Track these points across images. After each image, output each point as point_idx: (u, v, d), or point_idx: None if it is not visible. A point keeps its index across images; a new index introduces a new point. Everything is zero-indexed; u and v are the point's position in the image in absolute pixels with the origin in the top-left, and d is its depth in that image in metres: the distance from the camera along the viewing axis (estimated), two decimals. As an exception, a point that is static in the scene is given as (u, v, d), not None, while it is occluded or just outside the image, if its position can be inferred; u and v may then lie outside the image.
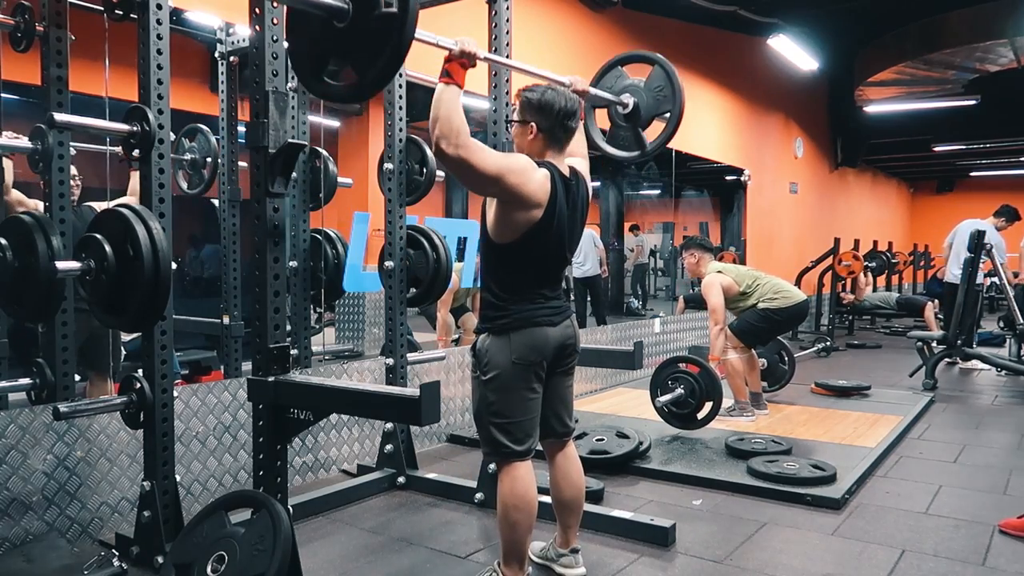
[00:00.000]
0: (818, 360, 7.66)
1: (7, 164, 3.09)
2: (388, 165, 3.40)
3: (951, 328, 6.08)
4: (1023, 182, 15.86)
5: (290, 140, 2.10)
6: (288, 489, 2.21)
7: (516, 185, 2.09)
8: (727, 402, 4.50)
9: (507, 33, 3.06)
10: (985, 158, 15.18)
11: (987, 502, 3.21)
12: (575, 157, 2.43)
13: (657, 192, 10.76)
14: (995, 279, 8.96)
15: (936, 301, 9.00)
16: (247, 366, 3.28)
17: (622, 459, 3.60)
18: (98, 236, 2.25)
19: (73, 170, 3.29)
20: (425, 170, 3.61)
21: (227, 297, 4.05)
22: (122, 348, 3.68)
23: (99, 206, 3.35)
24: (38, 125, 2.87)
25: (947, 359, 6.43)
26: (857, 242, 10.37)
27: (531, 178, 2.13)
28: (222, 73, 4.01)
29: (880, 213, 15.96)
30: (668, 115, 2.79)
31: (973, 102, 10.70)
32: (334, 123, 5.84)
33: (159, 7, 2.42)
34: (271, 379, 2.11)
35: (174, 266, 2.33)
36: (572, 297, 7.85)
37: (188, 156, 3.94)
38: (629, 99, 2.85)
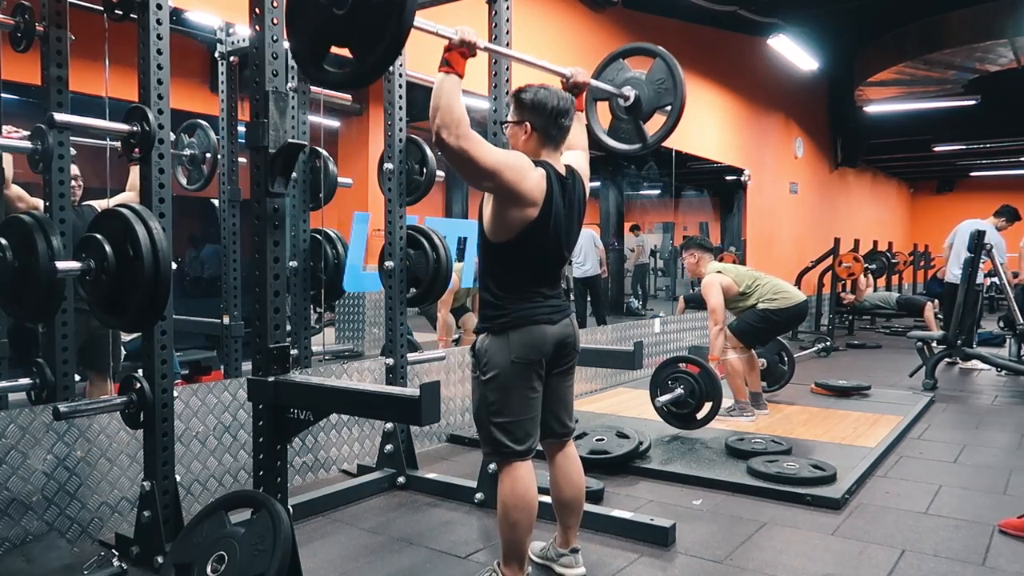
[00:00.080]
0: (818, 360, 7.66)
1: (7, 159, 3.09)
2: (388, 165, 3.40)
3: (951, 328, 6.08)
4: (1023, 182, 15.87)
5: (290, 140, 2.10)
6: (288, 489, 2.21)
7: (513, 182, 2.10)
8: (727, 402, 4.50)
9: (507, 33, 3.06)
10: (985, 158, 15.18)
11: (987, 502, 3.21)
12: (575, 150, 2.44)
13: (657, 192, 10.77)
14: (995, 279, 8.96)
15: (936, 301, 9.00)
16: (247, 366, 3.28)
17: (622, 459, 3.61)
18: (98, 236, 2.25)
19: (76, 170, 3.30)
20: (425, 170, 3.61)
21: (227, 297, 4.05)
22: (122, 348, 3.68)
23: (100, 204, 3.36)
24: (38, 125, 2.86)
25: (947, 359, 6.43)
26: (857, 242, 10.38)
27: (528, 176, 2.13)
28: (222, 73, 4.01)
29: (880, 213, 15.97)
30: (669, 108, 2.79)
31: (973, 102, 10.71)
32: (334, 123, 5.83)
33: (159, 7, 2.43)
34: (271, 379, 2.11)
35: (174, 266, 2.33)
36: (572, 297, 7.87)
37: (187, 152, 3.94)
38: (630, 92, 2.85)
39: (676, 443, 4.05)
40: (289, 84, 3.63)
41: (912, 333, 6.96)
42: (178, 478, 2.55)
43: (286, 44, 2.10)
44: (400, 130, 3.40)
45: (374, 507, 3.16)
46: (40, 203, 3.02)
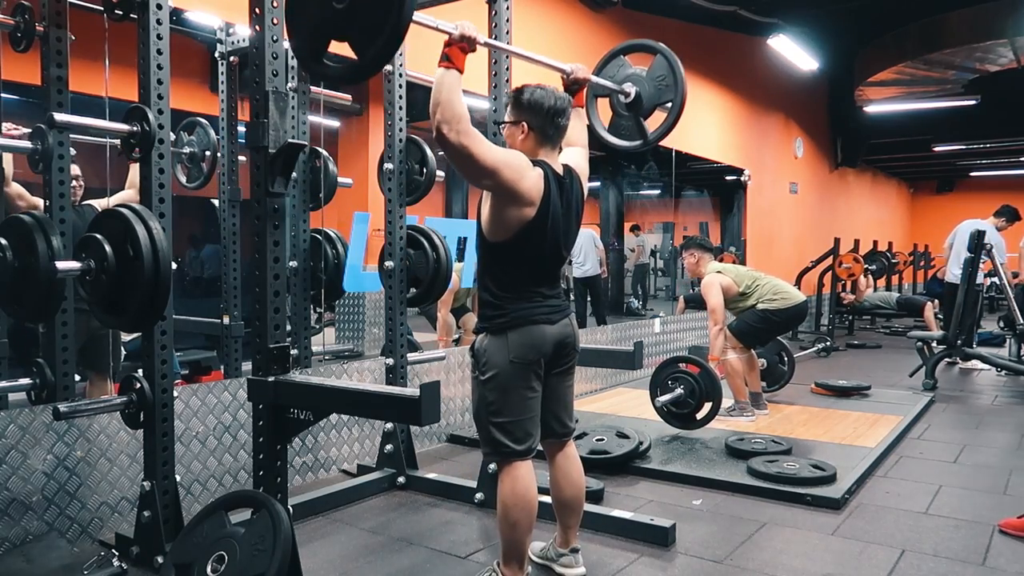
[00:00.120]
0: (818, 360, 7.66)
1: (7, 157, 3.09)
2: (388, 165, 3.40)
3: (951, 328, 6.08)
4: (1023, 182, 15.87)
5: (290, 140, 2.10)
6: (288, 489, 2.21)
7: (511, 180, 2.10)
8: (727, 402, 4.50)
9: (507, 33, 3.07)
10: (985, 158, 15.18)
11: (987, 502, 3.21)
12: (575, 147, 2.45)
13: (657, 192, 10.76)
14: (995, 279, 8.96)
15: (936, 301, 9.00)
16: (247, 366, 3.28)
17: (622, 459, 3.61)
18: (98, 236, 2.26)
19: (77, 170, 3.30)
20: (425, 170, 3.61)
21: (227, 297, 4.05)
22: (122, 348, 3.68)
23: (100, 204, 3.36)
24: (38, 125, 2.87)
25: (947, 359, 6.43)
26: (857, 242, 10.38)
27: (526, 175, 2.14)
28: (222, 73, 4.01)
29: (880, 213, 15.97)
30: (670, 105, 2.79)
31: (973, 102, 10.70)
32: (334, 123, 5.83)
33: (159, 7, 2.43)
34: (271, 379, 2.11)
35: (174, 266, 2.33)
36: (572, 297, 7.87)
37: (187, 150, 3.94)
38: (631, 88, 2.84)
39: (676, 443, 4.05)
40: (289, 84, 3.63)
41: (912, 333, 6.96)
42: (178, 478, 2.55)
43: (286, 44, 2.10)
44: (400, 130, 3.40)
45: (374, 507, 3.16)
46: (40, 202, 3.03)
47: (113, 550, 2.53)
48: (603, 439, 3.73)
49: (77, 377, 3.05)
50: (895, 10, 8.55)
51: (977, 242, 5.94)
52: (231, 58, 3.99)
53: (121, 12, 2.47)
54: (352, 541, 2.79)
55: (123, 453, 2.82)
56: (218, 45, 3.99)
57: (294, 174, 3.69)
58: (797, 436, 4.18)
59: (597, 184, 10.04)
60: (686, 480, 3.47)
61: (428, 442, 4.13)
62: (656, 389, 4.22)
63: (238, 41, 3.95)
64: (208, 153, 3.91)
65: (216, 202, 4.24)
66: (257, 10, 2.11)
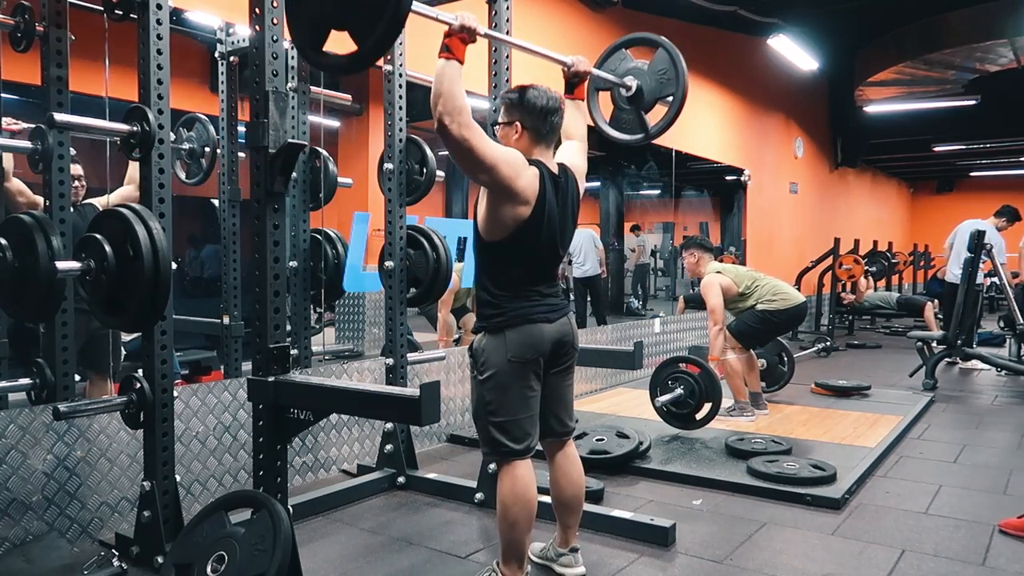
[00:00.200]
0: (818, 360, 7.66)
1: (7, 154, 3.09)
2: (388, 165, 3.40)
3: (951, 328, 6.08)
4: (1023, 182, 15.86)
5: (290, 140, 2.10)
6: (288, 489, 2.21)
7: (508, 177, 2.10)
8: (727, 402, 4.50)
9: (507, 33, 3.07)
10: (985, 158, 15.17)
11: (987, 502, 3.21)
12: (572, 140, 2.46)
13: (657, 192, 10.75)
14: (995, 279, 8.96)
15: (936, 301, 9.00)
16: (247, 366, 3.28)
17: (622, 459, 3.61)
18: (98, 236, 2.26)
19: (79, 170, 3.29)
20: (425, 170, 3.61)
21: (227, 297, 4.05)
22: (122, 348, 3.68)
23: (100, 201, 3.36)
24: (38, 125, 2.87)
25: (947, 359, 6.43)
26: (857, 242, 10.37)
27: (522, 174, 2.14)
28: (222, 73, 4.00)
29: (880, 213, 15.96)
30: (671, 98, 2.78)
31: (973, 102, 10.70)
32: (334, 123, 5.83)
33: (159, 7, 2.43)
34: (271, 379, 2.11)
35: (174, 266, 2.33)
36: (572, 297, 7.87)
37: (186, 146, 3.93)
38: (632, 81, 2.84)
39: (676, 443, 4.05)
40: (289, 84, 3.64)
41: (912, 333, 6.96)
42: (178, 478, 2.56)
43: (286, 44, 2.10)
44: (400, 130, 3.40)
45: (374, 507, 3.16)
46: (40, 199, 3.02)
47: (113, 550, 2.53)
48: (603, 439, 3.73)
49: (77, 377, 3.05)
50: (895, 10, 8.54)
51: (977, 242, 5.94)
52: (231, 58, 3.99)
53: (121, 12, 2.48)
54: (352, 541, 2.79)
55: (123, 453, 2.82)
56: (218, 45, 3.99)
57: (294, 174, 3.69)
58: (797, 436, 4.18)
59: (597, 184, 10.03)
60: (686, 480, 3.47)
61: (428, 442, 4.13)
62: (656, 389, 4.22)
63: (238, 41, 3.95)
64: (207, 149, 3.91)
65: (216, 202, 4.24)
66: (257, 10, 2.11)
